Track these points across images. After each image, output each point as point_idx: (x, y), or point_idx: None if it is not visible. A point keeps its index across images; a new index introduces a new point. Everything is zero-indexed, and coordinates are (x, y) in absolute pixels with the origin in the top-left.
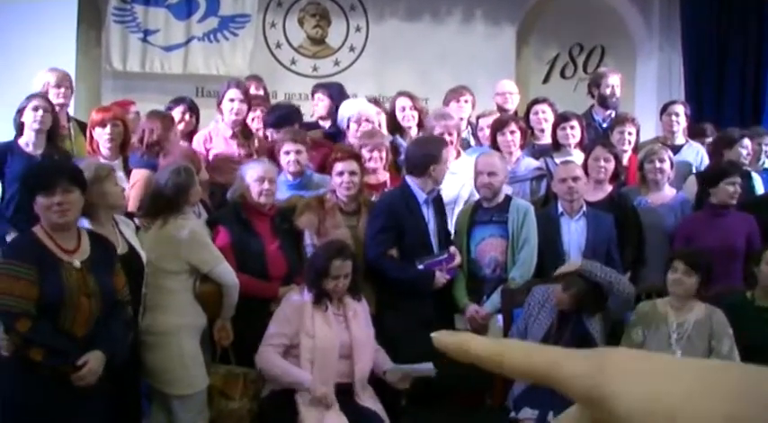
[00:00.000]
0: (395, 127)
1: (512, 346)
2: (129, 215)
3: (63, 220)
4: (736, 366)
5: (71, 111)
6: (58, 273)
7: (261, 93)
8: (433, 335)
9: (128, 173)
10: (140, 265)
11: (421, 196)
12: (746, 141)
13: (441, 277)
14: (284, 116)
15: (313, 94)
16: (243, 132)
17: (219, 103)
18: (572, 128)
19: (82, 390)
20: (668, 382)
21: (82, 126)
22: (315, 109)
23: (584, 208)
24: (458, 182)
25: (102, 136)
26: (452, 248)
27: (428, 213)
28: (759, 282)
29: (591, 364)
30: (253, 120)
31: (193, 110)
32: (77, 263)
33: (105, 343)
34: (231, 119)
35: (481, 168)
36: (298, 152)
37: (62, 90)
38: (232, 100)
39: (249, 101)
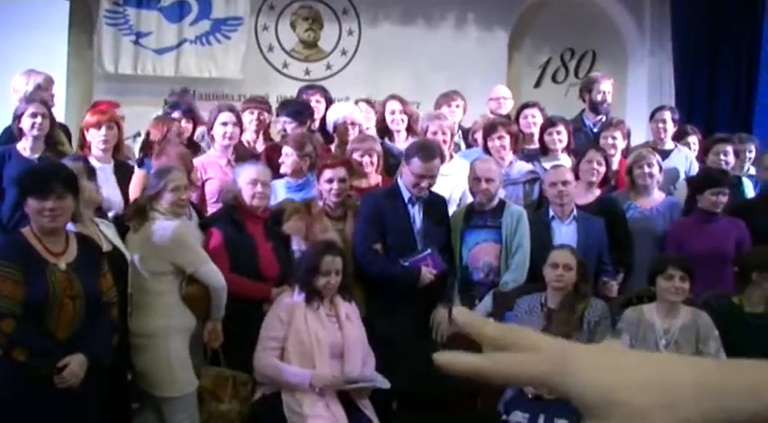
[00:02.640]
0: (383, 130)
1: (488, 362)
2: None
3: (53, 224)
4: (693, 361)
5: (62, 113)
6: (43, 274)
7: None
8: (435, 355)
9: (121, 175)
10: (126, 265)
11: (406, 194)
12: (728, 147)
13: (427, 272)
14: (300, 111)
15: (306, 96)
16: (238, 158)
17: (210, 128)
18: (559, 133)
19: (70, 391)
20: (625, 375)
21: (63, 129)
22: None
23: (575, 212)
24: (449, 184)
25: (96, 137)
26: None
27: (413, 212)
28: (756, 288)
29: (551, 363)
30: (250, 122)
31: (190, 114)
32: (63, 265)
33: (88, 345)
34: (224, 144)
35: (479, 174)
36: (299, 156)
37: (47, 93)
38: (225, 124)
39: (242, 124)
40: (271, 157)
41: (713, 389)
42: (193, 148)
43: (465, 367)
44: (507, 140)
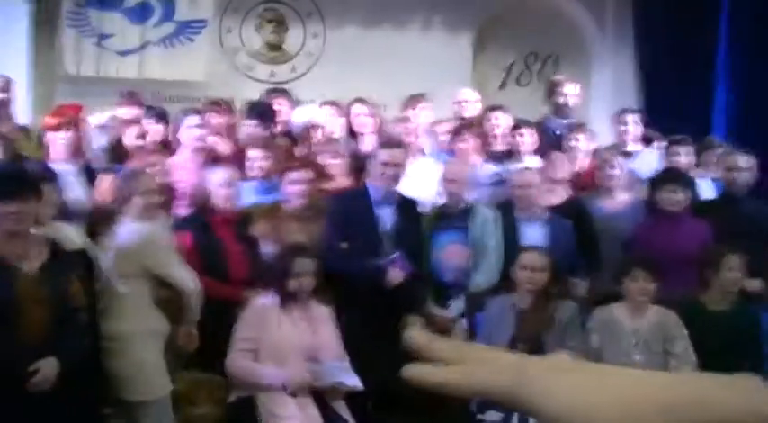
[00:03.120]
0: (351, 133)
1: (452, 375)
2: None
3: (17, 228)
4: (647, 376)
5: (24, 114)
6: (9, 279)
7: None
8: (404, 369)
9: (86, 177)
10: (92, 266)
11: (375, 196)
12: (683, 148)
13: (395, 272)
14: (263, 113)
15: (269, 99)
16: (206, 161)
17: (177, 133)
18: (524, 135)
19: (41, 396)
20: (585, 392)
21: (24, 130)
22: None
23: (544, 214)
24: (419, 185)
25: (57, 141)
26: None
27: (382, 213)
28: (713, 286)
29: (510, 375)
30: (214, 125)
31: (163, 118)
32: (30, 268)
33: (58, 350)
34: (192, 147)
35: (449, 176)
36: (263, 158)
37: (3, 95)
38: (193, 127)
39: (209, 127)
40: (237, 160)
41: (667, 404)
42: (167, 149)
43: (433, 381)
44: (474, 143)
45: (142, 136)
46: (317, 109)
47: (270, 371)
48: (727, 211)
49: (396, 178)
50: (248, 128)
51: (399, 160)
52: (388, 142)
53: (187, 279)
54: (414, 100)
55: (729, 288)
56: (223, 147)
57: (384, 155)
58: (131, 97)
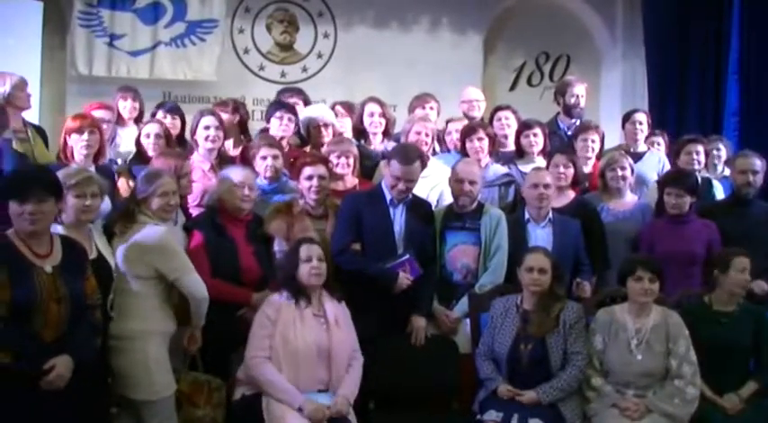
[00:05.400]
0: (359, 133)
1: None
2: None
3: (33, 228)
4: None
5: (36, 115)
6: (30, 277)
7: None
8: None
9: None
10: (108, 272)
11: (388, 196)
12: (699, 147)
13: (404, 278)
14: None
15: (285, 99)
16: (221, 163)
17: (193, 134)
18: (534, 135)
19: (47, 394)
20: None
21: (39, 131)
22: None
23: (551, 215)
24: (427, 185)
25: (78, 143)
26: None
27: (395, 214)
28: (720, 287)
29: None
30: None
31: (177, 112)
32: (49, 267)
33: (73, 348)
34: (207, 147)
35: (462, 176)
36: (274, 157)
37: (23, 94)
38: (207, 128)
39: (225, 128)
40: (246, 160)
41: None
42: (182, 146)
43: None
44: (486, 142)
45: (159, 134)
46: (325, 107)
47: (290, 389)
48: (736, 213)
49: (406, 192)
50: (282, 121)
51: (413, 176)
52: (406, 156)
53: (197, 286)
54: (421, 100)
55: (737, 290)
56: (232, 147)
57: (398, 170)
58: (131, 91)
